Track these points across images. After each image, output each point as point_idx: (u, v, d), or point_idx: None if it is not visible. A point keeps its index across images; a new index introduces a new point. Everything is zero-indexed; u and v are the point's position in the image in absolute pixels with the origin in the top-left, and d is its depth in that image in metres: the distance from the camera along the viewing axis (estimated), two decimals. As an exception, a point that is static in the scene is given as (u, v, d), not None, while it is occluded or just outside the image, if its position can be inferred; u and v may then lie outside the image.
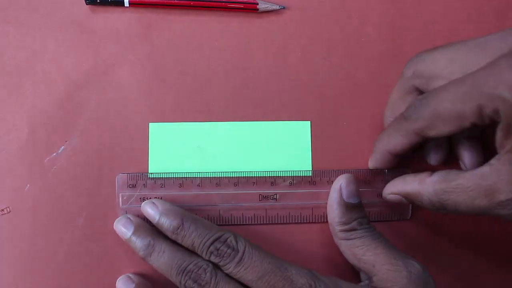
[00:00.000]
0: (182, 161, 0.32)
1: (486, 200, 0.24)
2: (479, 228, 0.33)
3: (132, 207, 0.31)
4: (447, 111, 0.25)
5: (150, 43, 0.33)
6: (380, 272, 0.27)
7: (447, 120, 0.25)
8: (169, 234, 0.28)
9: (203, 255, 0.28)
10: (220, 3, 0.33)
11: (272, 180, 0.32)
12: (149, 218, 0.29)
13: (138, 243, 0.28)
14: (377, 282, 0.27)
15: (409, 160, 0.32)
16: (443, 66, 0.27)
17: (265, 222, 0.32)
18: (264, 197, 0.31)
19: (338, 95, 0.34)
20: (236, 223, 0.32)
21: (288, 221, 0.32)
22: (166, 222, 0.28)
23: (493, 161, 0.24)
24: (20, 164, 0.31)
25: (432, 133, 0.26)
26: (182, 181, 0.31)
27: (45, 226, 0.31)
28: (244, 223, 0.32)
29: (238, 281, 0.27)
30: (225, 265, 0.27)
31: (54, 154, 0.32)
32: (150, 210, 0.29)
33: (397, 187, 0.29)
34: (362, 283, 0.29)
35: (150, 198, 0.31)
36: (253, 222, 0.32)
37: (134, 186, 0.31)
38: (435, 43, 0.32)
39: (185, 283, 0.27)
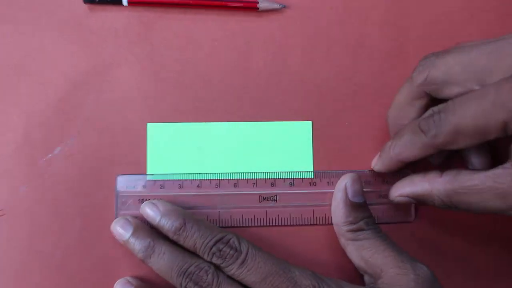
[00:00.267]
0: (182, 162, 0.32)
1: (499, 202, 0.24)
2: (487, 228, 0.33)
3: (130, 209, 0.31)
4: (469, 128, 0.24)
5: (149, 43, 0.33)
6: (387, 275, 0.27)
7: (469, 136, 0.25)
8: (171, 235, 0.28)
9: (205, 256, 0.27)
10: (219, 2, 0.33)
11: (273, 181, 0.32)
12: (149, 219, 0.29)
13: (137, 244, 0.28)
14: (382, 285, 0.27)
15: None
16: (457, 72, 0.27)
17: (265, 223, 0.31)
18: (264, 198, 0.31)
19: (339, 95, 0.34)
20: (236, 224, 0.31)
21: (288, 223, 0.32)
22: (167, 223, 0.28)
23: (507, 164, 0.24)
24: (16, 165, 0.31)
25: (453, 147, 0.26)
26: (182, 182, 0.31)
27: (41, 229, 0.31)
28: (244, 224, 0.31)
29: (240, 283, 0.27)
30: (227, 267, 0.27)
31: (50, 155, 0.32)
32: (150, 211, 0.29)
33: (406, 189, 0.29)
34: (366, 286, 0.29)
35: (149, 199, 0.30)
36: (253, 224, 0.31)
37: (133, 187, 0.31)
38: (437, 42, 0.33)
39: (186, 285, 0.27)
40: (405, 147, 0.28)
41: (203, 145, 0.32)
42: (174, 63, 0.33)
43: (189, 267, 0.27)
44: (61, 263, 0.31)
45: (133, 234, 0.29)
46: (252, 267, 0.27)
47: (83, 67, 0.33)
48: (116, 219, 0.30)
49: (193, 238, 0.28)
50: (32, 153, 0.31)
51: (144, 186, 0.31)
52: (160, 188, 0.31)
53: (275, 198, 0.31)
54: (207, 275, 0.27)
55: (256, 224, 0.31)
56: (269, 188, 0.32)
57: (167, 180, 0.31)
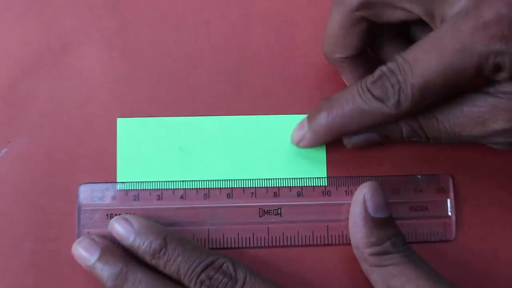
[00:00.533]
0: (161, 167, 0.30)
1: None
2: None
3: (97, 226, 0.29)
4: (437, 86, 0.24)
5: (120, 16, 0.31)
6: None
7: (437, 93, 0.24)
8: (148, 259, 0.27)
9: (191, 285, 0.26)
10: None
11: (276, 190, 0.30)
12: (120, 239, 0.27)
13: (106, 271, 0.26)
14: None
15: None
16: None
17: (266, 243, 0.30)
18: (266, 212, 0.30)
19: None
20: (229, 245, 0.30)
21: (296, 243, 0.30)
22: (143, 244, 0.27)
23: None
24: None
25: (415, 109, 0.26)
26: (161, 192, 0.30)
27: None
28: (240, 245, 0.30)
29: None
30: None
31: (-5, 158, 0.30)
32: (121, 229, 0.27)
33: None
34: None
35: (120, 214, 0.29)
36: (251, 244, 0.30)
37: (99, 199, 0.29)
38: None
39: None
40: (351, 118, 0.27)
41: (187, 145, 0.31)
42: (150, 42, 0.31)
43: None
44: (8, 297, 0.29)
45: (100, 258, 0.27)
46: None
47: (35, 46, 0.31)
48: (79, 239, 0.28)
49: (176, 262, 0.26)
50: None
51: (114, 198, 0.30)
52: (134, 199, 0.30)
53: (279, 212, 0.30)
54: None
55: (255, 245, 0.30)
56: (271, 199, 0.30)
57: (143, 189, 0.30)
